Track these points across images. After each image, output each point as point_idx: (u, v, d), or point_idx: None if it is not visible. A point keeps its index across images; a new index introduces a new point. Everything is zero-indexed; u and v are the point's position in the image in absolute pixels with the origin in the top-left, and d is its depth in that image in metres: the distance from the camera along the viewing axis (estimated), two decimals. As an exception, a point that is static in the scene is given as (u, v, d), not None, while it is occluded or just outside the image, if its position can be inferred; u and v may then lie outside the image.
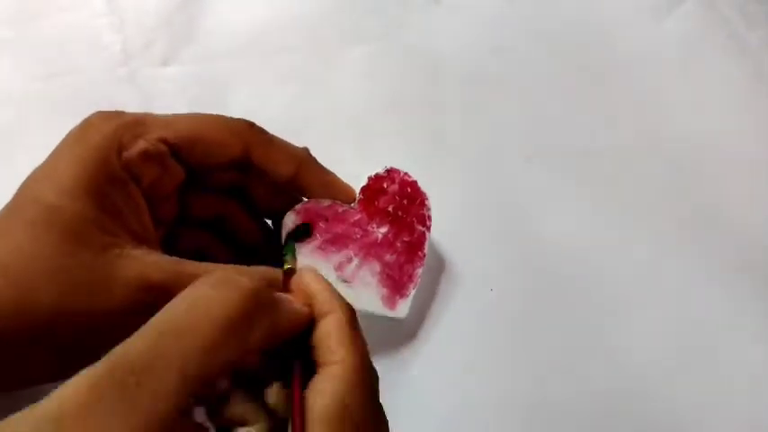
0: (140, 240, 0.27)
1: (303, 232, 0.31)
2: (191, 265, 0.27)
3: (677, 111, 0.41)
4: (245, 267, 0.29)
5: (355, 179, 0.33)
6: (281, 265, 0.31)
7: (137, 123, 0.28)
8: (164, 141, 0.28)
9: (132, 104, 0.39)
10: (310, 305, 0.24)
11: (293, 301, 0.24)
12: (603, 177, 0.39)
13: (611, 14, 0.44)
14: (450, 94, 0.41)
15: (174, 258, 0.27)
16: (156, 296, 0.26)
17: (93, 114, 0.28)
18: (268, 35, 0.43)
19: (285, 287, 0.26)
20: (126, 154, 0.27)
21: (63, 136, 0.36)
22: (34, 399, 0.29)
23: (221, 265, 0.28)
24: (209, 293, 0.21)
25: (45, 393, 0.28)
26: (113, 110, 0.29)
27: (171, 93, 0.40)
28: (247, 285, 0.21)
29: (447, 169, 0.38)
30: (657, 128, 0.40)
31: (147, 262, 0.26)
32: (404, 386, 0.32)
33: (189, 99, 0.40)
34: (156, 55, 0.41)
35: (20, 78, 0.40)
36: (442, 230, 0.36)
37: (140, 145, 0.27)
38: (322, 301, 0.24)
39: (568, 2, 0.45)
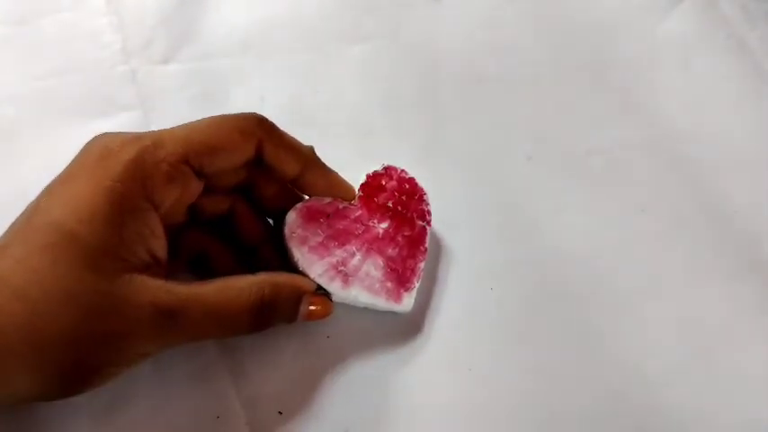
0: (152, 265, 0.27)
1: None
2: (201, 287, 0.28)
3: (677, 110, 0.41)
4: (252, 277, 0.29)
5: (355, 178, 0.34)
6: (284, 266, 0.31)
7: (156, 146, 0.27)
8: (185, 161, 0.28)
9: (133, 103, 0.39)
10: None
11: None
12: (604, 177, 0.39)
13: (611, 14, 0.44)
14: (450, 93, 0.41)
15: (184, 282, 0.28)
16: (167, 320, 0.26)
17: (112, 139, 0.28)
18: (268, 33, 0.43)
19: None
20: (149, 183, 0.27)
21: (62, 135, 0.37)
22: (33, 415, 0.29)
23: (229, 280, 0.28)
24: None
25: (42, 410, 0.29)
26: (131, 132, 0.28)
27: (171, 91, 0.40)
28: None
29: (447, 169, 0.38)
30: (657, 127, 0.40)
31: (158, 287, 0.26)
32: (407, 382, 0.32)
33: (189, 97, 0.40)
34: (157, 53, 0.41)
35: (20, 77, 0.40)
36: (442, 230, 0.36)
37: (163, 170, 0.27)
38: None
39: (569, 1, 0.45)
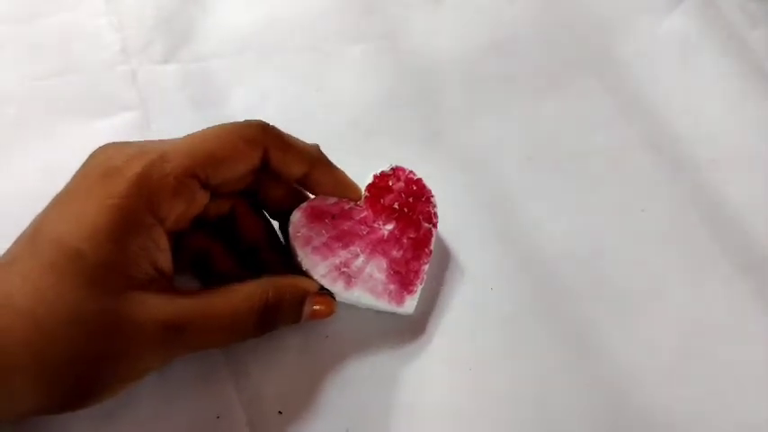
0: (157, 278, 0.27)
1: None
2: (206, 297, 0.28)
3: (677, 110, 0.41)
4: (255, 282, 0.29)
5: (354, 178, 0.33)
6: (286, 266, 0.31)
7: (162, 160, 0.27)
8: (191, 173, 0.27)
9: (133, 103, 0.39)
10: None
11: None
12: (604, 177, 0.39)
13: (610, 14, 0.44)
14: (450, 93, 0.41)
15: (189, 293, 0.28)
16: (174, 334, 0.26)
17: (115, 152, 0.27)
18: (268, 34, 0.43)
19: None
20: (155, 198, 0.27)
21: (63, 135, 0.37)
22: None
23: (233, 287, 0.28)
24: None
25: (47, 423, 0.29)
26: (135, 143, 0.28)
27: (171, 91, 0.40)
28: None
29: (447, 169, 0.38)
30: (657, 127, 0.40)
31: (164, 302, 0.26)
32: (407, 382, 0.32)
33: (189, 97, 0.40)
34: (157, 53, 0.41)
35: (20, 77, 0.40)
36: (442, 230, 0.36)
37: (170, 184, 0.27)
38: None
39: (568, 1, 0.45)
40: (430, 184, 0.34)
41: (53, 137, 0.38)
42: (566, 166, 0.39)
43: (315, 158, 0.31)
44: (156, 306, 0.26)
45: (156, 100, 0.40)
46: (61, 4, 0.43)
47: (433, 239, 0.33)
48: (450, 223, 0.36)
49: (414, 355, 0.33)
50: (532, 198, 0.38)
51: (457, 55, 0.43)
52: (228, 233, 0.32)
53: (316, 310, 0.30)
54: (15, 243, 0.26)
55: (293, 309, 0.30)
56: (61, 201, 0.27)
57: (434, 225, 0.34)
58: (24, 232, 0.27)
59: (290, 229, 0.31)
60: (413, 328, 0.33)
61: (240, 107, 0.40)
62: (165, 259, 0.28)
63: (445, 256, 0.36)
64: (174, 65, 0.41)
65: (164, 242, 0.28)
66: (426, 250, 0.33)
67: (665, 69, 0.42)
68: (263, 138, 0.29)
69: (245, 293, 0.28)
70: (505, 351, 0.33)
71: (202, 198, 0.29)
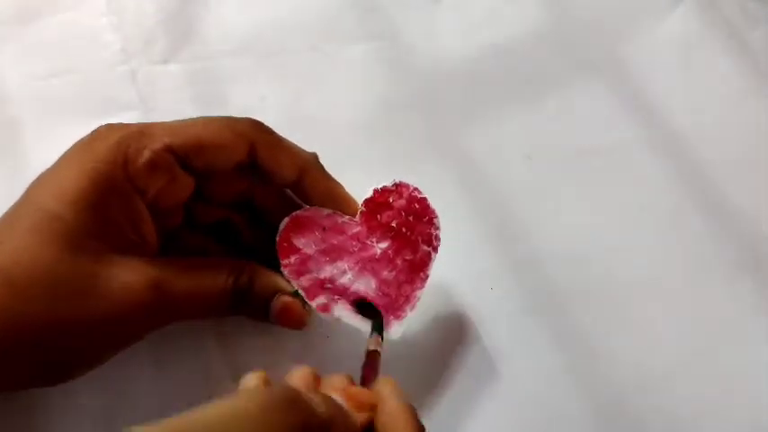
0: (138, 249, 0.28)
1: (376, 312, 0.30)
2: (187, 263, 0.28)
3: (677, 110, 0.41)
4: (235, 260, 0.29)
5: (354, 179, 0.33)
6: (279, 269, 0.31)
7: (142, 134, 0.28)
8: (169, 150, 0.28)
9: (133, 103, 0.39)
10: (372, 412, 0.25)
11: (350, 414, 0.24)
12: (603, 177, 0.39)
13: (610, 14, 0.44)
14: (451, 94, 0.41)
15: (171, 259, 0.28)
16: (153, 293, 0.26)
17: (103, 126, 0.28)
18: (268, 34, 0.43)
19: (368, 368, 0.27)
20: (131, 167, 0.27)
21: (62, 135, 0.37)
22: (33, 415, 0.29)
23: (213, 258, 0.29)
24: (257, 414, 0.21)
25: (42, 410, 0.29)
26: (120, 122, 0.29)
27: (171, 91, 0.40)
28: (304, 412, 0.22)
29: (446, 169, 0.38)
30: (657, 127, 0.40)
31: (143, 263, 0.27)
32: (406, 382, 0.32)
33: (189, 98, 0.40)
34: (157, 53, 0.41)
35: (20, 77, 0.40)
36: (441, 230, 0.36)
37: (146, 155, 0.27)
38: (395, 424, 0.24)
39: (568, 1, 0.45)
40: (428, 183, 0.34)
41: (53, 137, 0.38)
42: (565, 166, 0.39)
43: (308, 164, 0.30)
44: (135, 268, 0.26)
45: (156, 100, 0.40)
46: (61, 4, 0.43)
47: (432, 264, 0.31)
48: (450, 223, 0.36)
49: (414, 355, 0.33)
50: (532, 198, 0.38)
51: (457, 55, 0.43)
52: (228, 236, 0.32)
53: (283, 311, 0.30)
54: (2, 215, 0.27)
55: (261, 299, 0.30)
56: (47, 170, 0.28)
57: (434, 249, 0.31)
58: (14, 203, 0.27)
59: (278, 237, 0.30)
60: (413, 329, 0.33)
61: (240, 107, 0.39)
62: (147, 230, 0.28)
63: (445, 256, 0.35)
64: (174, 65, 0.41)
65: (145, 214, 0.28)
66: (422, 275, 0.31)
67: (665, 69, 0.42)
68: (251, 132, 0.29)
69: (223, 267, 0.29)
70: (505, 351, 0.33)
71: (185, 181, 0.29)
